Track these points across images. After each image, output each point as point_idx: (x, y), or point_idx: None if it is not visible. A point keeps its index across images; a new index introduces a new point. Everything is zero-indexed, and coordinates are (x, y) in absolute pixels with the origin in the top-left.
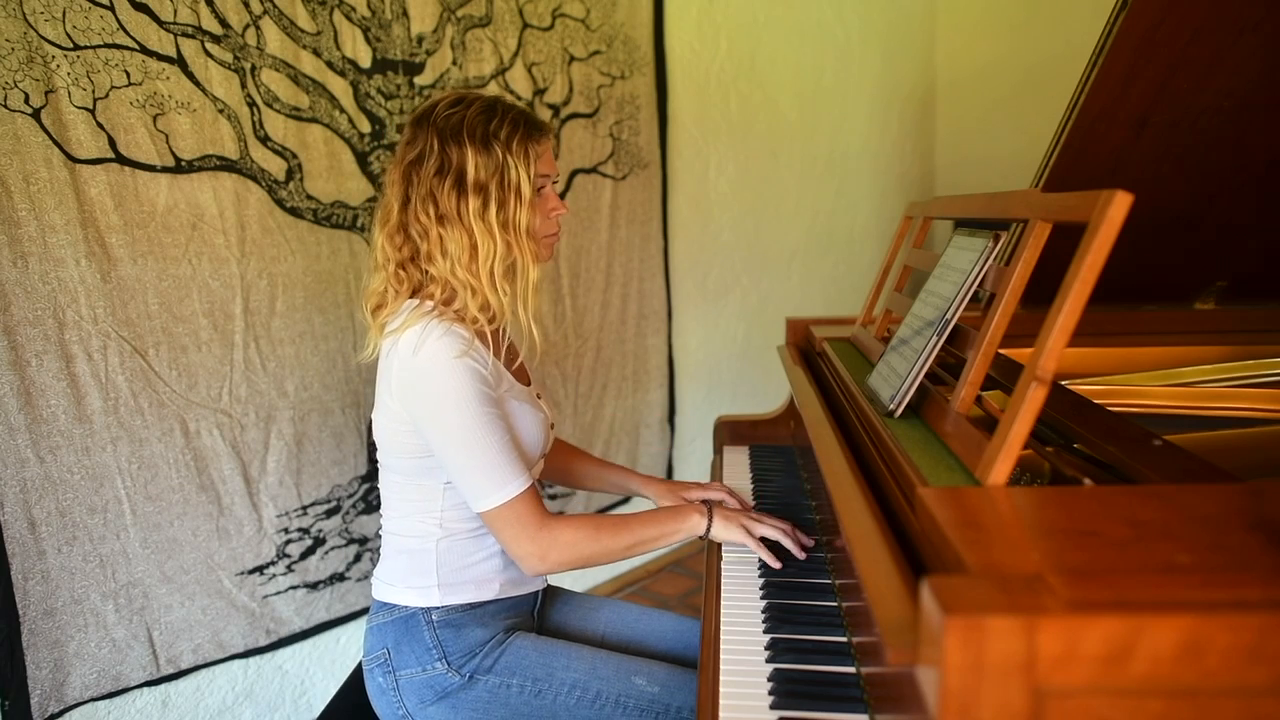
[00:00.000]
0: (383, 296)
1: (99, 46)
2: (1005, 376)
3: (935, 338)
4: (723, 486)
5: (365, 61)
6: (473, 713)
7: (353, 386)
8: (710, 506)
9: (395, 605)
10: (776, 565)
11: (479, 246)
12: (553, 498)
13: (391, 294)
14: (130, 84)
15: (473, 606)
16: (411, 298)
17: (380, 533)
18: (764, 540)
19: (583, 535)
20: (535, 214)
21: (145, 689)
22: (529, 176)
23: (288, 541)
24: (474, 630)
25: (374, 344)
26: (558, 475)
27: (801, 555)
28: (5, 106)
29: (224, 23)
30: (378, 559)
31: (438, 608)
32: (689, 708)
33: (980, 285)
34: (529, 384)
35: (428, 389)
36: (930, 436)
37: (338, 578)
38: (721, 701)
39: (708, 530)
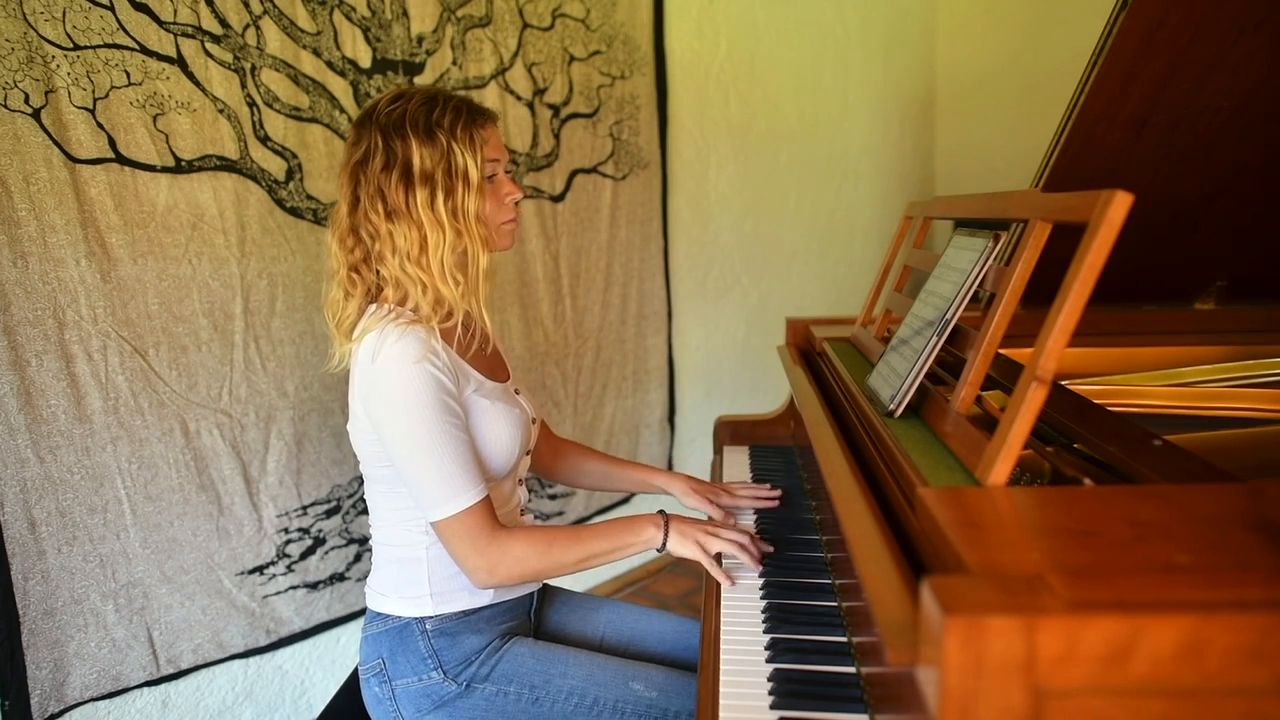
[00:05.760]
0: (341, 306)
1: (99, 46)
2: (1005, 376)
3: (935, 338)
4: (749, 487)
5: (365, 61)
6: None
7: None
8: (667, 517)
9: (389, 615)
10: (728, 584)
11: (429, 238)
12: (553, 497)
13: (346, 298)
14: (130, 84)
15: (467, 614)
16: (371, 303)
17: (370, 541)
18: (735, 556)
19: (533, 550)
20: (485, 200)
21: (145, 689)
22: (476, 162)
23: (288, 541)
24: (469, 638)
25: (339, 354)
26: (569, 476)
27: (758, 567)
28: (5, 106)
29: (224, 23)
30: None
31: (431, 617)
32: (688, 713)
33: (980, 285)
34: (506, 379)
35: (384, 395)
36: (930, 436)
37: (337, 578)
38: (721, 701)
39: (663, 545)
